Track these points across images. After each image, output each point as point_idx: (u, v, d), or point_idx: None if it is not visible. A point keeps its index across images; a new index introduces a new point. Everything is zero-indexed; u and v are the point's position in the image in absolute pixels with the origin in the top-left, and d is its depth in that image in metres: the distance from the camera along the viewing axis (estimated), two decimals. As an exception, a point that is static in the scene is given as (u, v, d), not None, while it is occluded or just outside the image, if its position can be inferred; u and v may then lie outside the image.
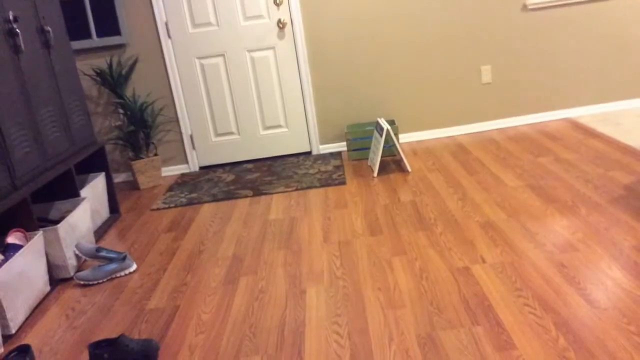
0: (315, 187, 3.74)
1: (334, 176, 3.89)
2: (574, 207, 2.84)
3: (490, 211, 2.94)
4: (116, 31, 4.20)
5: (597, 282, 2.14)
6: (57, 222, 2.97)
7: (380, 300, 2.23)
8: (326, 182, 3.79)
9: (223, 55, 4.29)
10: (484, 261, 2.42)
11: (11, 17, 2.81)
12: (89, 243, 3.11)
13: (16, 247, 2.49)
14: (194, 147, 4.48)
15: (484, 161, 3.75)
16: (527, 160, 3.64)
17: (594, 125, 4.16)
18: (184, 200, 3.83)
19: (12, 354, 2.10)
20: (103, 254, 2.84)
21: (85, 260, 3.02)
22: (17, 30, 2.82)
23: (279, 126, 4.45)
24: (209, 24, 4.23)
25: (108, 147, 4.43)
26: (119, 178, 4.50)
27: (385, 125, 3.71)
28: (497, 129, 4.46)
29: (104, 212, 3.58)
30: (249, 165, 4.43)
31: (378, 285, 2.35)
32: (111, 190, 3.69)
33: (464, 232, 2.74)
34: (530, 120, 4.49)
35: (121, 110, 4.30)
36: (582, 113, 4.48)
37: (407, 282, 2.35)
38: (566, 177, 3.26)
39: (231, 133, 4.45)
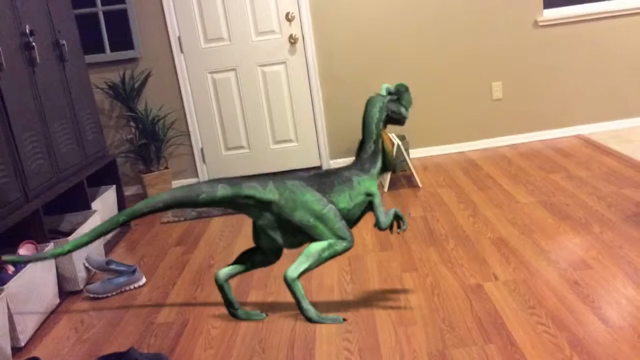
0: (325, 201, 3.72)
1: (344, 191, 3.87)
2: (587, 225, 2.81)
3: (502, 228, 2.91)
4: (129, 45, 4.24)
5: (612, 301, 2.11)
6: (68, 234, 2.98)
7: (391, 316, 2.21)
8: (336, 196, 3.78)
9: (235, 69, 4.32)
10: (496, 278, 2.40)
11: (27, 31, 2.85)
12: (99, 256, 3.12)
13: (27, 259, 2.49)
14: (204, 161, 4.49)
15: (495, 177, 3.73)
16: (539, 176, 3.62)
17: (606, 142, 4.13)
18: (193, 213, 3.83)
19: (21, 367, 2.10)
20: (113, 267, 2.84)
21: (95, 273, 3.02)
22: (33, 43, 2.86)
23: (290, 140, 4.46)
24: (221, 39, 4.26)
25: (119, 160, 4.46)
26: (129, 191, 4.51)
27: (396, 141, 3.71)
28: (508, 145, 4.45)
29: (115, 225, 3.58)
30: (259, 180, 4.43)
31: (389, 302, 2.33)
32: (122, 203, 3.70)
33: (475, 248, 2.72)
34: (541, 136, 4.47)
35: (133, 124, 4.33)
36: (593, 130, 4.46)
37: (418, 298, 2.32)
38: (579, 194, 3.23)
39: (241, 147, 4.47)
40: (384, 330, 2.12)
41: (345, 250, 2.20)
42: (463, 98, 4.40)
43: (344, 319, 2.24)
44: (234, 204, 2.17)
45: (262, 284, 2.65)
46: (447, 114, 4.42)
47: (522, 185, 3.50)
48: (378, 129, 2.26)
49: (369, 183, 2.25)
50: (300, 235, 2.20)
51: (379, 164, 2.27)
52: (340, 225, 2.18)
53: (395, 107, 2.27)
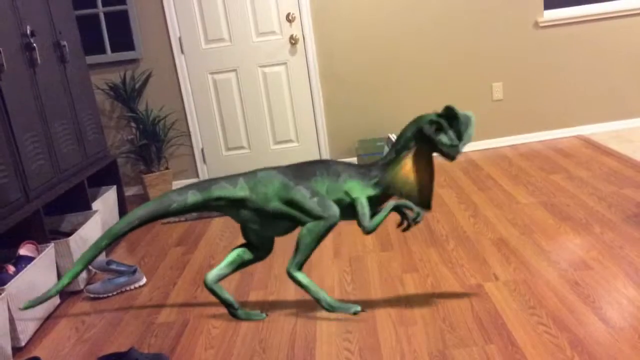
0: (326, 202, 3.72)
1: (345, 191, 3.87)
2: (587, 225, 2.81)
3: (502, 228, 2.91)
4: (130, 46, 4.24)
5: (612, 301, 2.11)
6: (68, 234, 2.98)
7: (392, 316, 2.21)
8: (337, 197, 3.78)
9: (235, 70, 4.32)
10: (497, 279, 2.40)
11: (28, 32, 2.85)
12: (100, 256, 3.12)
13: (28, 259, 2.50)
14: (205, 161, 4.50)
15: (495, 178, 3.73)
16: (540, 177, 3.62)
17: (606, 142, 4.13)
18: (194, 214, 3.83)
19: (22, 367, 2.10)
20: (113, 267, 2.84)
21: (95, 273, 3.02)
22: (33, 44, 2.86)
23: (290, 141, 4.46)
24: (222, 39, 4.26)
25: (120, 161, 4.46)
26: (130, 191, 4.51)
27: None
28: (508, 146, 4.45)
29: (115, 225, 3.59)
30: (260, 180, 4.43)
31: (389, 302, 2.33)
32: (122, 204, 3.71)
33: (476, 249, 2.72)
34: (541, 137, 4.47)
35: (133, 124, 4.34)
36: (594, 130, 4.46)
37: (418, 298, 2.32)
38: (579, 194, 3.23)
39: (242, 147, 4.47)
40: (385, 330, 2.12)
41: (329, 228, 2.14)
42: (463, 98, 4.40)
43: (362, 309, 2.25)
44: (209, 207, 2.16)
45: (263, 284, 2.65)
46: (447, 114, 4.42)
47: (522, 186, 3.50)
48: (404, 147, 2.12)
49: (356, 186, 2.14)
50: (286, 222, 2.19)
51: (387, 178, 2.14)
52: (311, 205, 2.12)
53: (429, 130, 2.04)
